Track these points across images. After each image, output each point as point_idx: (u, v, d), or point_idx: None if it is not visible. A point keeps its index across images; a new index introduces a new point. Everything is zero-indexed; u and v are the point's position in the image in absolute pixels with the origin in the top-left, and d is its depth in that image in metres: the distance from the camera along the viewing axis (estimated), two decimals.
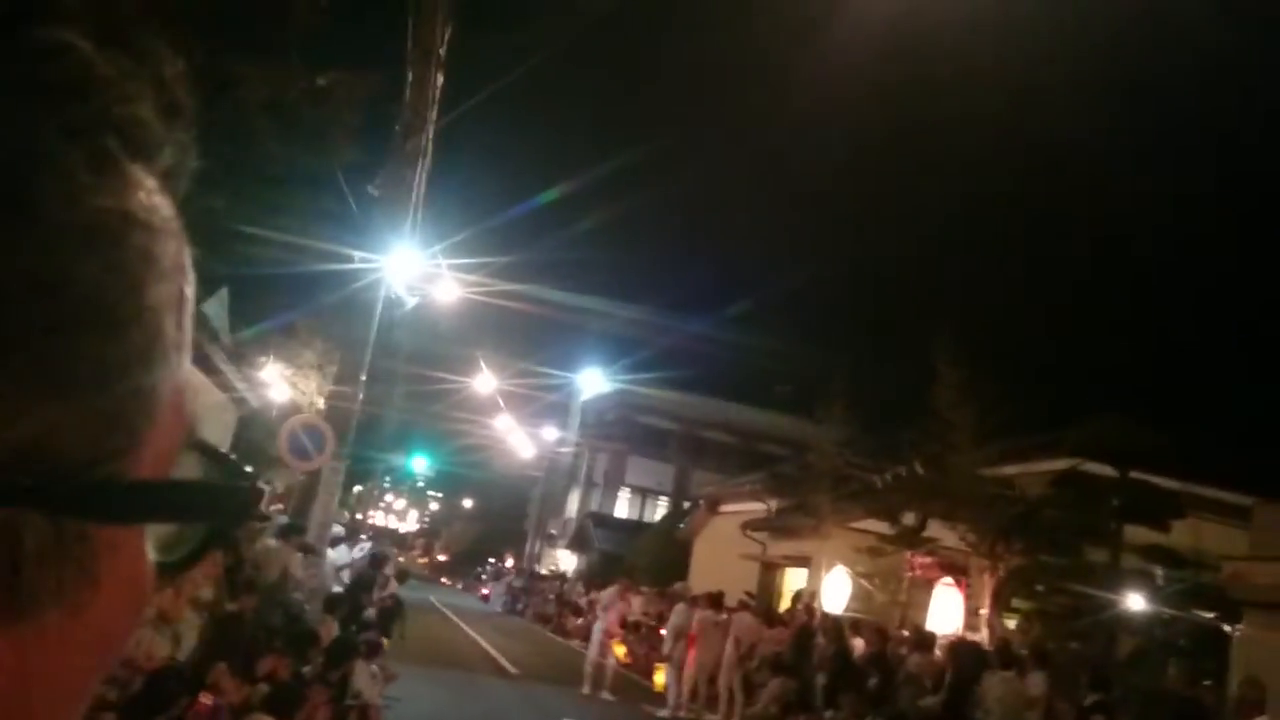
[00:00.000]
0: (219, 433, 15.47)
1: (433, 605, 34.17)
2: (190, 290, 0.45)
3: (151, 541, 0.44)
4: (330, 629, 9.90)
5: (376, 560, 16.97)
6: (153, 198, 0.42)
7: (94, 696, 0.43)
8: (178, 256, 0.43)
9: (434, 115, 14.71)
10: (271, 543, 12.30)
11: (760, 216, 75.96)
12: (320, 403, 18.77)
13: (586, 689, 15.98)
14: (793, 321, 53.76)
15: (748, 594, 17.52)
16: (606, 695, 15.95)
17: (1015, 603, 14.60)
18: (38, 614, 0.38)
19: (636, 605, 24.96)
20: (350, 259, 12.88)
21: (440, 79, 14.11)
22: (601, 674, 16.30)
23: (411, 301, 16.08)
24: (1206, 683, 11.61)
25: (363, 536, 20.87)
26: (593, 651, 16.93)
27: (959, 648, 13.24)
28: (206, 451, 0.46)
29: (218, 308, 15.31)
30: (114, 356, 0.39)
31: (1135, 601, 12.39)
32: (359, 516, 52.06)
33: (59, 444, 0.38)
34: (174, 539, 0.46)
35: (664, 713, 14.96)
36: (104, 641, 0.42)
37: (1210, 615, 11.72)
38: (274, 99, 6.42)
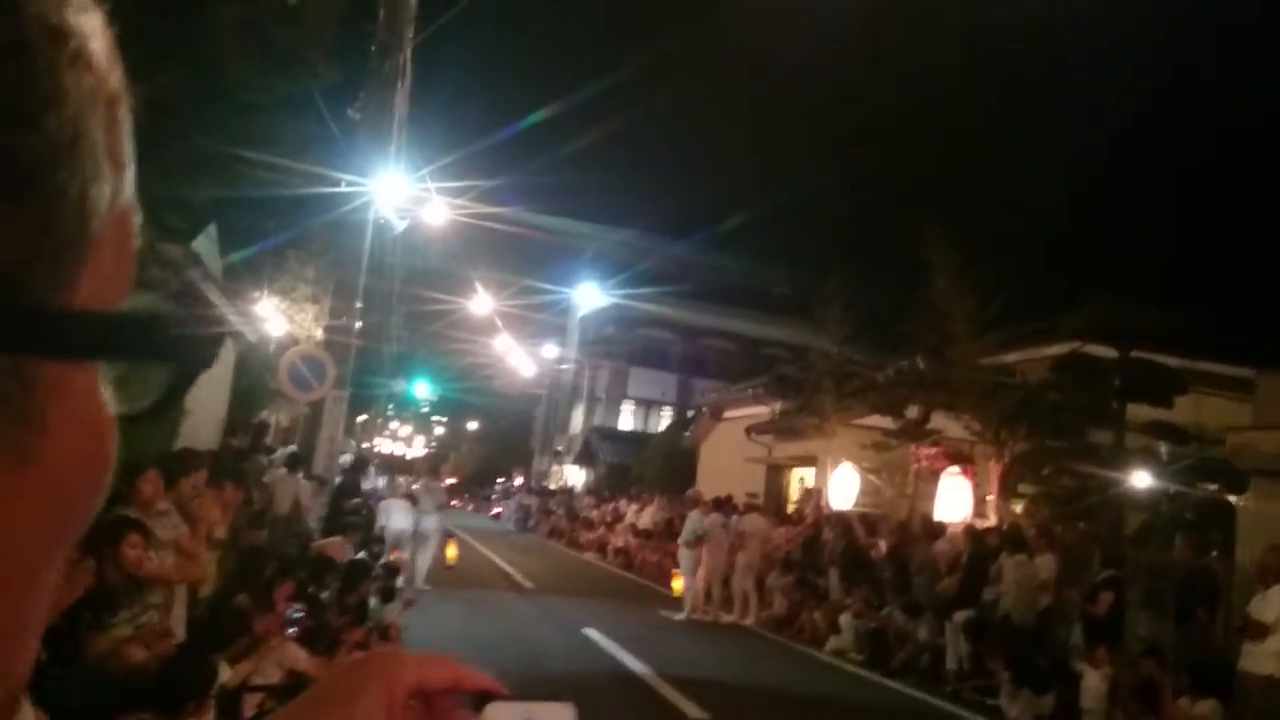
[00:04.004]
0: (218, 369, 15.43)
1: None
2: (124, 102, 0.38)
3: (109, 387, 0.39)
4: (342, 549, 10.00)
5: (357, 464, 17.06)
6: None
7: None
8: (103, 54, 0.36)
9: (411, 34, 14.41)
10: (282, 472, 12.39)
11: (748, 126, 75.10)
12: (318, 334, 18.73)
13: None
14: (787, 228, 53.41)
15: (750, 495, 17.61)
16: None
17: (1022, 487, 14.74)
18: None
19: (647, 513, 25.27)
20: (336, 183, 12.73)
21: None
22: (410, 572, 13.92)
23: (401, 224, 15.96)
24: (1213, 553, 11.76)
25: (371, 466, 21.00)
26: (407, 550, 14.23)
27: (975, 532, 13.38)
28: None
29: (207, 243, 15.15)
30: (27, 149, 0.32)
31: (1140, 479, 12.48)
32: (365, 445, 52.35)
33: None
34: (134, 386, 0.40)
35: (680, 615, 15.19)
36: (59, 495, 0.36)
37: (1214, 487, 11.81)
38: (245, 19, 6.24)
